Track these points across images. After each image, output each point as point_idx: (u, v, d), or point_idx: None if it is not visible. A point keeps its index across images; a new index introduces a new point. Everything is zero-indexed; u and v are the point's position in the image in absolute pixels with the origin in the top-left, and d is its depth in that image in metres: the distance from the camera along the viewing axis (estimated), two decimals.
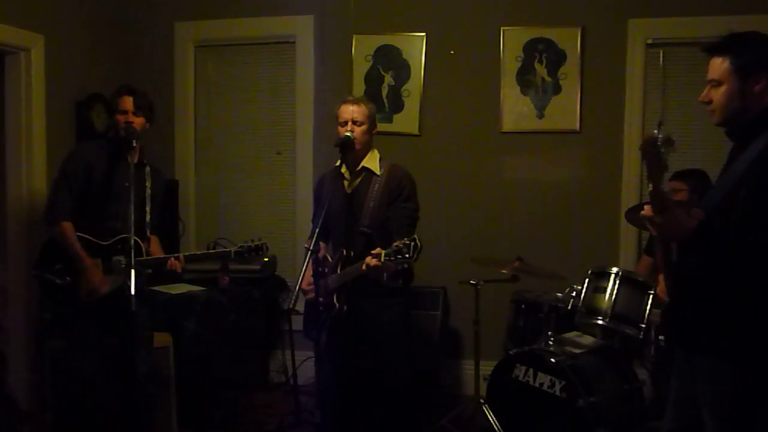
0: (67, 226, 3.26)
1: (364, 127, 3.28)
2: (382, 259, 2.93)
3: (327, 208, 3.04)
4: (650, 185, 1.92)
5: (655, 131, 1.80)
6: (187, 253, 3.45)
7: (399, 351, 3.35)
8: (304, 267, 2.92)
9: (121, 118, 3.29)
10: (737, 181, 2.03)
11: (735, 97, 2.08)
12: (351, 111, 3.27)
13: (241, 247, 3.42)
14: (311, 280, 3.22)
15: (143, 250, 3.32)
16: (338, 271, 3.27)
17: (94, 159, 3.34)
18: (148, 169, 3.44)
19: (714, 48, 2.13)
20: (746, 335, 2.00)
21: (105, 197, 3.32)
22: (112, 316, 3.24)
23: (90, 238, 3.28)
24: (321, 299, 3.18)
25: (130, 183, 3.04)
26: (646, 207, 2.00)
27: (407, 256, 2.86)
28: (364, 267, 3.03)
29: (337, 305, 3.21)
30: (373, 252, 3.00)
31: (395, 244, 2.89)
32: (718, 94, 2.10)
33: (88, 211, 3.32)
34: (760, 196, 1.95)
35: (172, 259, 3.33)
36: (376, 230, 3.25)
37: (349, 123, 3.26)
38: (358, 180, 3.34)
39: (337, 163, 3.31)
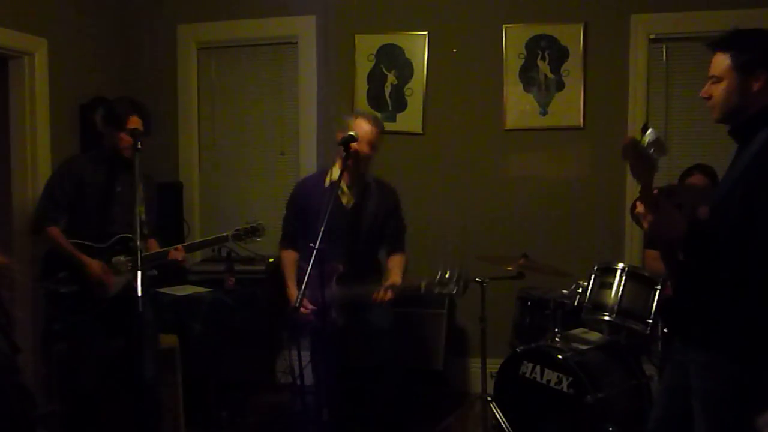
0: (54, 231, 3.27)
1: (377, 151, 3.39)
2: (423, 289, 3.09)
3: (322, 221, 3.07)
4: (639, 185, 1.92)
5: (640, 138, 1.82)
6: (185, 243, 3.45)
7: (390, 342, 3.38)
8: (309, 266, 2.92)
9: (126, 138, 3.27)
10: (735, 180, 2.04)
11: (734, 94, 2.07)
12: (373, 134, 3.33)
13: (237, 229, 3.44)
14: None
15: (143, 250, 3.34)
16: (333, 285, 3.31)
17: (85, 170, 3.36)
18: (140, 176, 3.46)
19: (717, 43, 2.13)
20: (745, 333, 1.99)
21: (100, 205, 3.35)
22: (119, 318, 3.25)
23: (88, 243, 3.29)
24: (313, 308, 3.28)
25: (126, 189, 3.18)
26: (638, 204, 2.00)
27: (454, 292, 3.01)
28: (378, 297, 3.20)
29: (339, 321, 3.29)
30: (387, 285, 3.23)
31: (442, 276, 3.02)
32: (718, 91, 2.10)
33: (83, 220, 3.34)
34: (756, 195, 1.95)
35: (172, 250, 3.33)
36: (373, 246, 3.37)
37: (373, 149, 3.36)
38: (355, 195, 3.41)
39: (334, 177, 3.37)
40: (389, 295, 3.20)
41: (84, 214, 3.33)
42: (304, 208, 3.48)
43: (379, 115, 3.73)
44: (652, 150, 1.81)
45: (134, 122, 3.30)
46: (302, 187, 3.63)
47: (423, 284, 3.09)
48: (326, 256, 3.20)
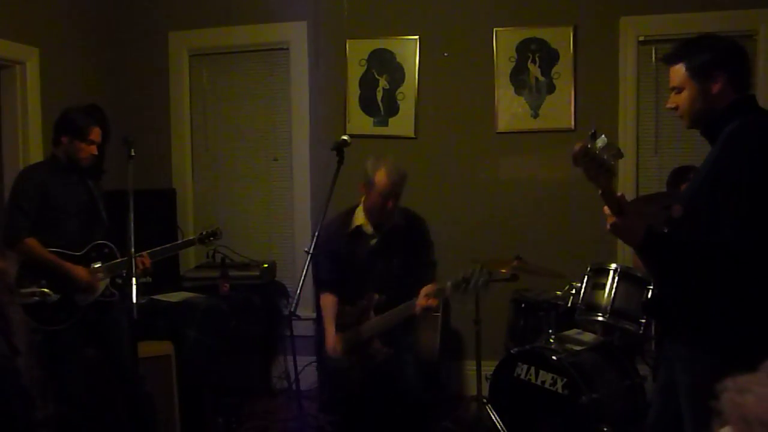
0: (32, 242, 3.22)
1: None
2: (449, 291, 3.07)
3: (349, 265, 3.16)
4: (599, 190, 1.96)
5: (589, 145, 1.84)
6: (150, 250, 3.46)
7: (412, 363, 3.39)
8: (304, 271, 2.94)
9: (88, 148, 3.33)
10: (703, 177, 2.11)
11: (697, 100, 2.14)
12: (386, 187, 3.30)
13: (201, 234, 3.74)
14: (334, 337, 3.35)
15: (117, 255, 3.39)
16: (372, 315, 3.31)
17: (46, 179, 3.33)
18: (91, 182, 3.50)
19: (669, 57, 2.20)
20: (725, 329, 2.02)
21: (69, 214, 3.35)
22: (94, 324, 3.33)
23: (63, 251, 3.28)
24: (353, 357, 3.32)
25: (98, 201, 3.39)
26: (605, 207, 2.04)
27: (480, 286, 3.00)
28: (418, 310, 3.13)
29: (385, 349, 3.27)
30: (428, 290, 3.14)
31: (465, 275, 3.01)
32: (682, 100, 2.17)
33: (52, 230, 3.31)
34: (719, 193, 2.00)
35: (138, 258, 3.30)
36: (406, 275, 3.37)
37: (391, 200, 3.32)
38: (381, 235, 3.43)
39: (358, 222, 3.41)
40: (432, 301, 3.15)
41: (53, 224, 3.31)
42: (331, 254, 3.45)
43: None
44: (605, 156, 1.84)
45: (96, 133, 3.35)
46: (326, 232, 3.38)
47: (449, 284, 3.10)
48: (360, 294, 3.33)
